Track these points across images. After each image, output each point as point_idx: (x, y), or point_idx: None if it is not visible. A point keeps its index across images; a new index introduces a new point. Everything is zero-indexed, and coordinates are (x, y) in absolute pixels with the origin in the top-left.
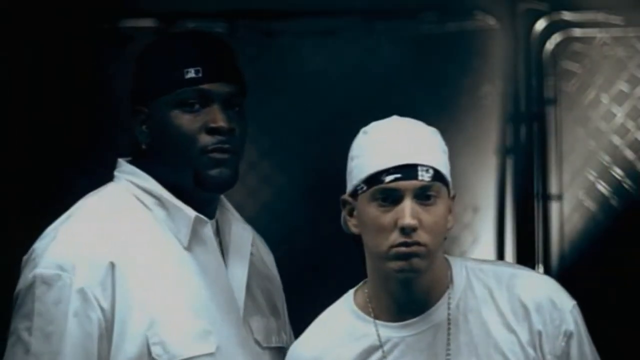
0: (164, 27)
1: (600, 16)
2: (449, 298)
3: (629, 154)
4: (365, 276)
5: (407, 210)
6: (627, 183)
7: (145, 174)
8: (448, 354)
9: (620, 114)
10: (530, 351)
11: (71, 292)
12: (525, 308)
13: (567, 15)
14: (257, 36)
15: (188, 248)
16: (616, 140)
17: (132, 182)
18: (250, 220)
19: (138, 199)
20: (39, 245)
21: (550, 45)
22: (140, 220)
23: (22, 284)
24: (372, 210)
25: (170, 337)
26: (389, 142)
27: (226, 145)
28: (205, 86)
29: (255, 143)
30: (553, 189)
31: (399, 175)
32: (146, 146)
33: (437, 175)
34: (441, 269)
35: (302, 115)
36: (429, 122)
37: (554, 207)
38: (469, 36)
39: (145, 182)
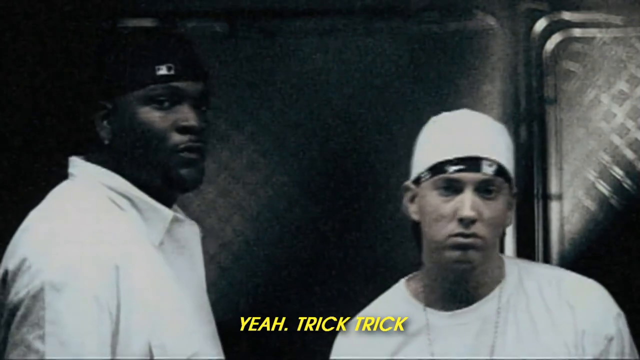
0: (164, 27)
1: (600, 16)
2: (500, 293)
3: (629, 154)
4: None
5: (468, 202)
6: (627, 183)
7: (113, 173)
8: (493, 347)
9: (620, 114)
10: (573, 351)
11: (83, 297)
12: (572, 309)
13: (567, 15)
14: (257, 36)
15: (161, 249)
16: (616, 140)
17: (102, 183)
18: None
19: (111, 200)
20: (32, 251)
21: (550, 45)
22: (120, 222)
23: (23, 293)
24: (433, 199)
25: (168, 339)
26: (456, 133)
27: (197, 144)
28: (177, 84)
29: (255, 143)
30: (553, 189)
31: (462, 167)
32: (109, 142)
33: (500, 171)
34: (495, 264)
35: (302, 115)
36: None
37: (554, 207)
38: (469, 36)
39: (117, 183)
